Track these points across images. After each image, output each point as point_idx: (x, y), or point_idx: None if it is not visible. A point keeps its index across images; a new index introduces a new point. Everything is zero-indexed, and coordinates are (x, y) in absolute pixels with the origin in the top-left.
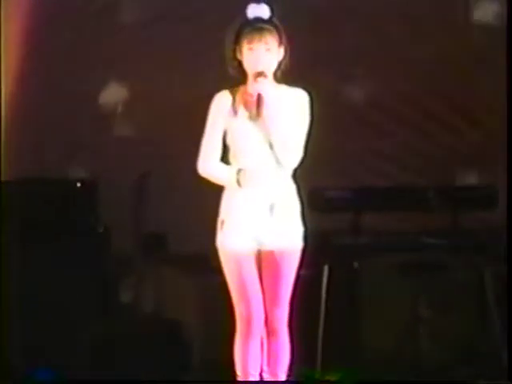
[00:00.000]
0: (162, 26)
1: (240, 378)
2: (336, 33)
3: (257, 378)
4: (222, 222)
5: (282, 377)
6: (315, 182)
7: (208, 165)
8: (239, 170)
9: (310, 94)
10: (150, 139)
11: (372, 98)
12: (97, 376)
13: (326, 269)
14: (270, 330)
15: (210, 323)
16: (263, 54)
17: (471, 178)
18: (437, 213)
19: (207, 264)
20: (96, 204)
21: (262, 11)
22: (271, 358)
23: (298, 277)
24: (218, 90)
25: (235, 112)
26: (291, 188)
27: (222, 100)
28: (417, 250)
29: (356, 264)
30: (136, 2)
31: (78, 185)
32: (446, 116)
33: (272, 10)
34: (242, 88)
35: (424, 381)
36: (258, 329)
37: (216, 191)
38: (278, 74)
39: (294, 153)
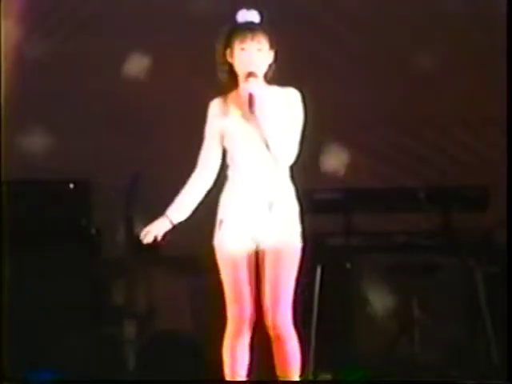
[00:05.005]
0: (155, 31)
1: (228, 378)
2: (327, 36)
3: (244, 378)
4: (221, 222)
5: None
6: (306, 183)
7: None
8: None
9: (301, 92)
10: (141, 141)
11: (361, 99)
12: (93, 376)
13: (318, 269)
14: (275, 334)
15: (202, 324)
16: (255, 54)
17: (461, 179)
18: (428, 213)
19: (199, 265)
20: (88, 205)
21: (252, 16)
22: (282, 363)
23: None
24: (211, 93)
25: (228, 115)
26: (290, 189)
27: (215, 107)
28: (408, 251)
29: (348, 264)
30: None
31: (71, 186)
32: (437, 117)
33: (261, 16)
34: (234, 92)
35: (416, 381)
36: (249, 329)
37: (208, 193)
38: (269, 76)
39: (289, 149)
